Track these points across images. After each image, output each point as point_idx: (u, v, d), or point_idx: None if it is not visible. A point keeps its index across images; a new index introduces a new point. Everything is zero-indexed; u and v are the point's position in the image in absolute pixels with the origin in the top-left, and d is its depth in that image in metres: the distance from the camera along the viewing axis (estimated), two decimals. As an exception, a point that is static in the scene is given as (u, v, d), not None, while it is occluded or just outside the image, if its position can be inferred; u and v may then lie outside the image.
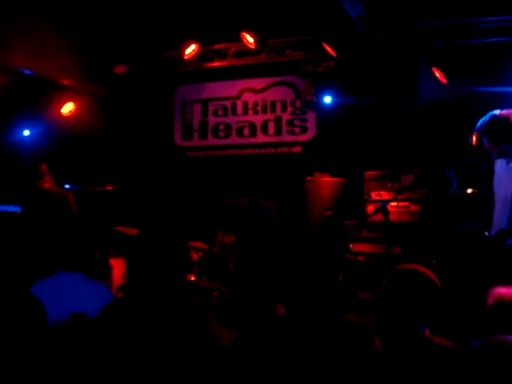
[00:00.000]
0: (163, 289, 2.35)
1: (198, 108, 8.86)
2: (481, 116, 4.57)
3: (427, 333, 2.44)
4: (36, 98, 7.26)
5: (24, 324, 1.87)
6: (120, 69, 7.88)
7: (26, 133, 7.28)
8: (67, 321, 2.16)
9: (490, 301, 2.50)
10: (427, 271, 2.52)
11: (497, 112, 4.48)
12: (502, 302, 2.45)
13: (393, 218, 6.27)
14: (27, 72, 6.89)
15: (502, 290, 2.51)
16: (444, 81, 6.45)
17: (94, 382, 2.03)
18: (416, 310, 2.42)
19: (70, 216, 5.89)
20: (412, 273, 2.52)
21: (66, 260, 2.97)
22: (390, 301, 2.44)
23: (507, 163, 4.51)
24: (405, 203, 6.46)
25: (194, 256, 6.60)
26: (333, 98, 7.46)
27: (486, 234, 4.51)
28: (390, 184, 6.68)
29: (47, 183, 5.98)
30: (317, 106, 7.75)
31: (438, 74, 6.47)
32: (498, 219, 4.45)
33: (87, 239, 3.08)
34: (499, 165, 4.61)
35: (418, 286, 2.45)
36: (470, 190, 6.11)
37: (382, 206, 5.17)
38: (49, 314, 1.96)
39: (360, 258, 6.27)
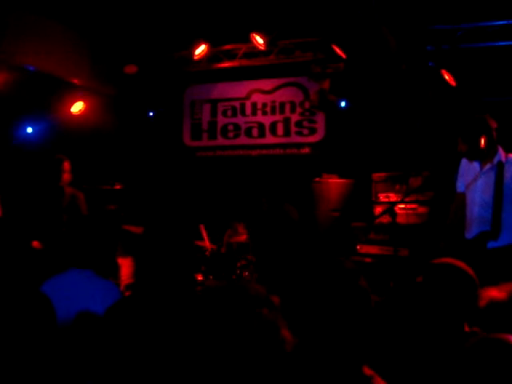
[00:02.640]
0: (171, 287, 2.37)
1: (207, 108, 8.88)
2: (491, 117, 4.58)
3: (467, 328, 2.43)
4: (46, 96, 7.30)
5: (32, 321, 1.89)
6: (130, 68, 7.92)
7: (29, 130, 7.32)
8: (75, 319, 2.18)
9: (482, 303, 2.48)
10: (465, 266, 2.50)
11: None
12: (494, 304, 2.44)
13: (400, 220, 6.27)
14: (36, 70, 6.93)
15: (493, 293, 2.49)
16: (453, 83, 6.44)
17: (100, 378, 2.05)
18: (454, 305, 2.39)
19: (80, 215, 5.93)
20: (449, 267, 2.49)
21: (77, 258, 3.00)
22: (426, 296, 2.41)
23: (480, 167, 4.52)
24: (413, 205, 6.45)
25: (202, 255, 6.63)
26: (342, 100, 7.46)
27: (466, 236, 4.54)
28: (398, 186, 6.67)
29: (67, 181, 6.03)
30: (326, 107, 7.76)
31: (446, 77, 6.45)
32: (478, 222, 4.46)
33: (97, 238, 3.10)
34: (469, 167, 4.61)
35: (455, 280, 2.42)
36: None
37: (390, 208, 5.17)
38: (59, 311, 1.98)
39: (367, 259, 6.27)
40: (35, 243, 5.64)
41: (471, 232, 4.51)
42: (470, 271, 2.48)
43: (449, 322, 2.40)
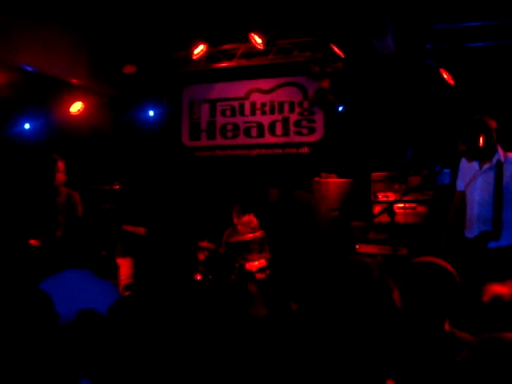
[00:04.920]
0: (170, 287, 2.37)
1: (205, 108, 8.88)
2: (490, 117, 4.58)
3: (447, 326, 2.42)
4: (44, 96, 7.28)
5: (32, 319, 1.89)
6: (129, 68, 7.91)
7: (27, 126, 7.29)
8: (76, 316, 2.17)
9: (486, 298, 2.49)
10: (445, 264, 2.50)
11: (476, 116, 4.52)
12: (497, 300, 2.45)
13: (399, 219, 6.26)
14: (34, 70, 6.92)
15: (497, 288, 2.50)
16: (452, 82, 6.44)
17: (97, 377, 2.05)
18: (435, 304, 2.38)
19: (76, 216, 5.92)
20: (430, 266, 2.49)
21: (74, 258, 3.00)
22: (408, 294, 2.39)
23: (479, 166, 4.52)
24: (412, 204, 6.45)
25: (201, 255, 6.63)
26: (340, 99, 7.47)
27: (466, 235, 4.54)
28: (396, 185, 6.67)
29: (62, 181, 6.02)
30: (326, 106, 7.76)
31: (445, 76, 6.46)
32: (478, 221, 4.45)
33: (94, 238, 3.10)
34: (469, 166, 4.61)
35: (436, 278, 2.42)
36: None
37: (389, 207, 5.17)
38: (57, 310, 1.98)
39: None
40: (32, 241, 5.64)
41: (472, 231, 4.50)
42: (451, 269, 2.47)
43: (429, 321, 2.39)
